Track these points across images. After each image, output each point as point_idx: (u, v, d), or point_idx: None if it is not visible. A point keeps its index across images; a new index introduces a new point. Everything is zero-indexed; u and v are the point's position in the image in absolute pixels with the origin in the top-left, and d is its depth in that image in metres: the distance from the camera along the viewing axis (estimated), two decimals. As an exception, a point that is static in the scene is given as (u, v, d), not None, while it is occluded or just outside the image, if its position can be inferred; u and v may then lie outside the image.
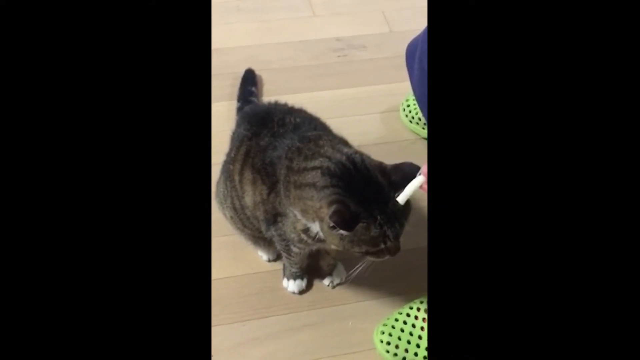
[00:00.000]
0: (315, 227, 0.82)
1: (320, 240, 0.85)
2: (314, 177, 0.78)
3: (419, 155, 1.30)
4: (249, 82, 1.33)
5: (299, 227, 0.85)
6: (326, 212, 0.76)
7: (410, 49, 1.05)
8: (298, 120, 0.92)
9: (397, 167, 0.79)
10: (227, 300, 1.04)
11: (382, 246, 0.77)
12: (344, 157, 0.79)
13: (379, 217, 0.75)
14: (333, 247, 0.81)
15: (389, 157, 1.30)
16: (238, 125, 1.03)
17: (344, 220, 0.74)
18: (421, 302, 1.00)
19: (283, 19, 1.57)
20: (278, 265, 1.09)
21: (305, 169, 0.80)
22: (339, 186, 0.76)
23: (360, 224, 0.75)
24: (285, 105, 1.00)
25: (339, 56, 1.48)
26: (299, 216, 0.83)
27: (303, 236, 0.86)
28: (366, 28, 1.55)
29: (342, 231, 0.75)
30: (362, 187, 0.77)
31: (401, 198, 0.75)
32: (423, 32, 0.97)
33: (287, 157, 0.84)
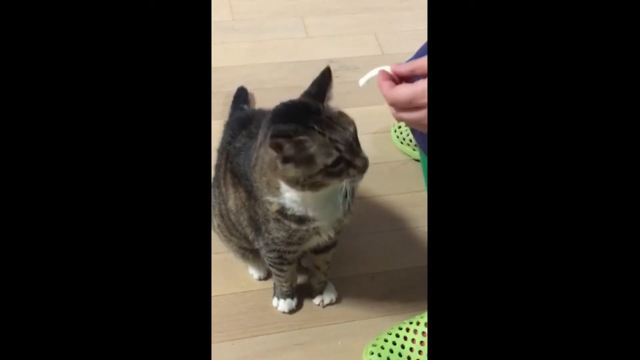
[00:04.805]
0: (286, 196, 0.81)
1: (302, 220, 0.84)
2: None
3: (410, 176, 1.31)
4: (241, 100, 1.34)
5: (274, 208, 0.84)
6: (270, 151, 0.75)
7: (402, 73, 1.07)
8: None
9: (313, 83, 0.80)
10: (217, 318, 1.04)
11: (337, 153, 0.74)
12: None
13: (315, 127, 0.74)
14: (296, 189, 0.78)
15: (380, 178, 1.29)
16: (223, 135, 1.03)
17: (284, 134, 0.73)
18: (410, 323, 1.00)
19: (277, 39, 1.59)
20: (268, 284, 1.08)
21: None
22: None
23: (301, 138, 0.74)
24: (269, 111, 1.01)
25: (331, 77, 1.50)
26: (271, 199, 0.83)
27: (285, 222, 0.84)
28: (359, 50, 1.58)
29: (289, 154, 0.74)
30: (290, 113, 0.77)
31: (361, 81, 0.75)
32: (414, 57, 0.99)
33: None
